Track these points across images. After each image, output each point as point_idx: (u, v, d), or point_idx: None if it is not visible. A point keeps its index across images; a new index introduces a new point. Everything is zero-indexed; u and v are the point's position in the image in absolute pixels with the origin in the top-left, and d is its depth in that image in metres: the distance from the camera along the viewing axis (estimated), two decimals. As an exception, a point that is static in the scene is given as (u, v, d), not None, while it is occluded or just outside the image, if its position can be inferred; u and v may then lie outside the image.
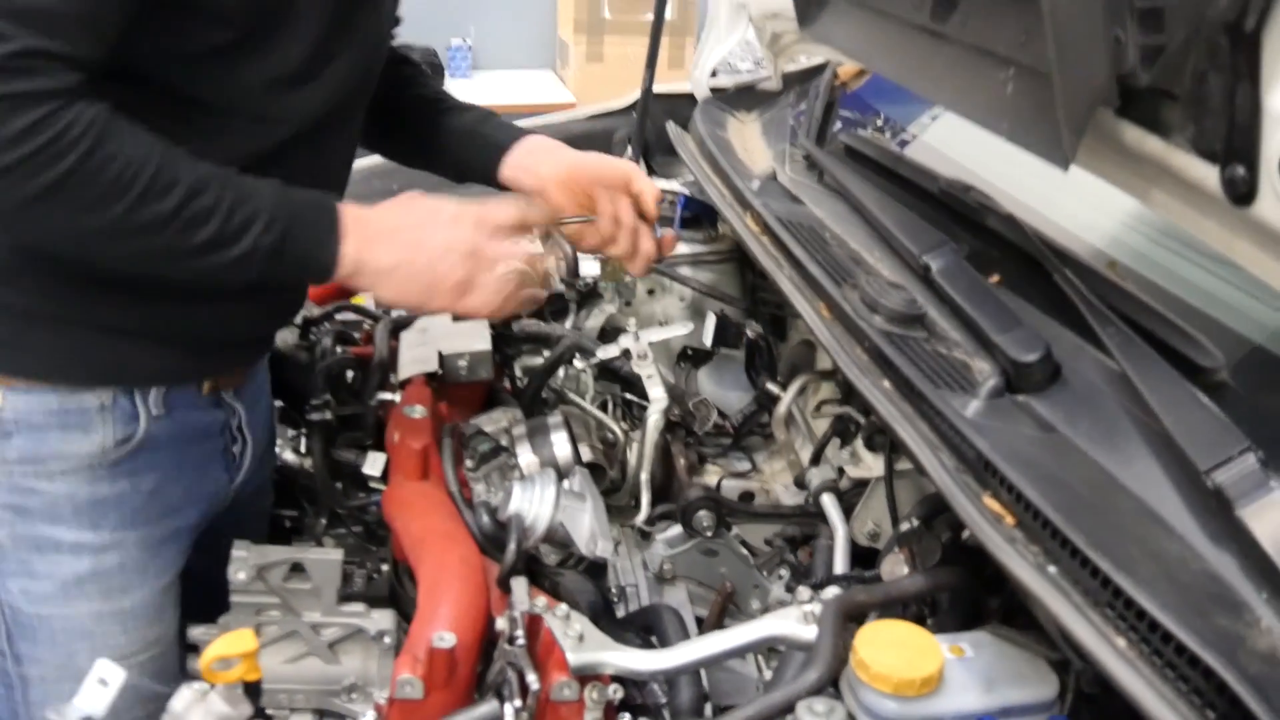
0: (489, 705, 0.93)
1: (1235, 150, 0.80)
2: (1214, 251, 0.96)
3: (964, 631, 0.97)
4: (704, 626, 1.43)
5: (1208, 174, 0.84)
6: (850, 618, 0.97)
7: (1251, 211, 0.80)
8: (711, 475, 1.71)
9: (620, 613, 1.38)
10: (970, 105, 1.07)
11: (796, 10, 1.49)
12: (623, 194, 1.32)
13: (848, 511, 1.41)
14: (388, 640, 1.12)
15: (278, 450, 1.49)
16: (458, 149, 1.39)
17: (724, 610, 1.40)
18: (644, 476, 1.52)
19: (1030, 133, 0.95)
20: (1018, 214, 1.27)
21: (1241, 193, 0.80)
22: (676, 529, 1.47)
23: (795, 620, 0.99)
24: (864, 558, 1.41)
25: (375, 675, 1.13)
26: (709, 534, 1.44)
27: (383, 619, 1.14)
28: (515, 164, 1.35)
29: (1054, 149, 0.91)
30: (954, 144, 1.65)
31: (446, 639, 0.99)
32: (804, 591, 0.99)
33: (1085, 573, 0.80)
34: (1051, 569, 0.83)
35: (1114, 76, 0.87)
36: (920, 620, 1.03)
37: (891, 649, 0.89)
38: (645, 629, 1.19)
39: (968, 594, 1.02)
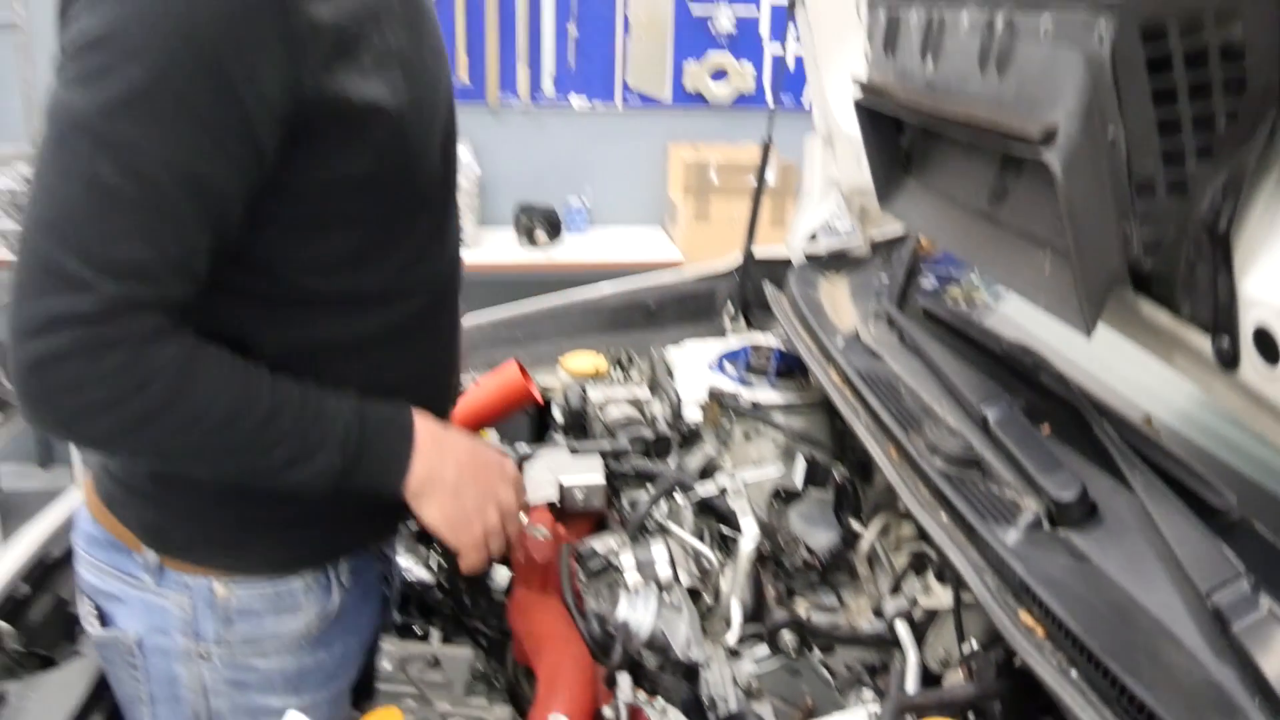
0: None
1: (1220, 325, 0.97)
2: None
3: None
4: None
5: (1204, 343, 1.01)
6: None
7: (1238, 375, 0.97)
8: (799, 608, 1.86)
9: (711, 718, 1.53)
10: (1016, 280, 1.26)
11: (876, 190, 1.70)
12: None
13: (920, 639, 1.55)
14: (506, 732, 1.30)
15: (413, 568, 1.69)
16: None
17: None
18: (735, 600, 1.68)
19: (1062, 306, 1.13)
20: (1070, 372, 1.44)
21: (1228, 360, 0.97)
22: (764, 649, 1.62)
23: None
24: (936, 683, 1.54)
25: (491, 767, 1.30)
26: (793, 654, 1.59)
27: (502, 712, 1.32)
28: None
29: (1077, 319, 1.09)
30: (1024, 308, 1.82)
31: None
32: (867, 692, 1.14)
33: (1100, 676, 0.94)
34: (1073, 673, 0.97)
35: (1125, 262, 1.05)
36: (972, 726, 1.17)
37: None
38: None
39: (1015, 704, 1.16)
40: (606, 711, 1.19)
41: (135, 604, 1.23)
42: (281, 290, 1.11)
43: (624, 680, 1.22)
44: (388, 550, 1.49)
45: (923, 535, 1.59)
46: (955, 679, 1.30)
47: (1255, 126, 0.89)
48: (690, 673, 1.36)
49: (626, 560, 1.49)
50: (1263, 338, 0.92)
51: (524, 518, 1.58)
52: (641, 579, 1.46)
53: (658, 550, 1.51)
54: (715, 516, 1.93)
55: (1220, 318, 0.97)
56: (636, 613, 1.31)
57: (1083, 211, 1.04)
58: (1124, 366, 1.46)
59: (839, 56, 2.06)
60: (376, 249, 1.15)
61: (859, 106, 1.62)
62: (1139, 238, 1.02)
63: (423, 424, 1.18)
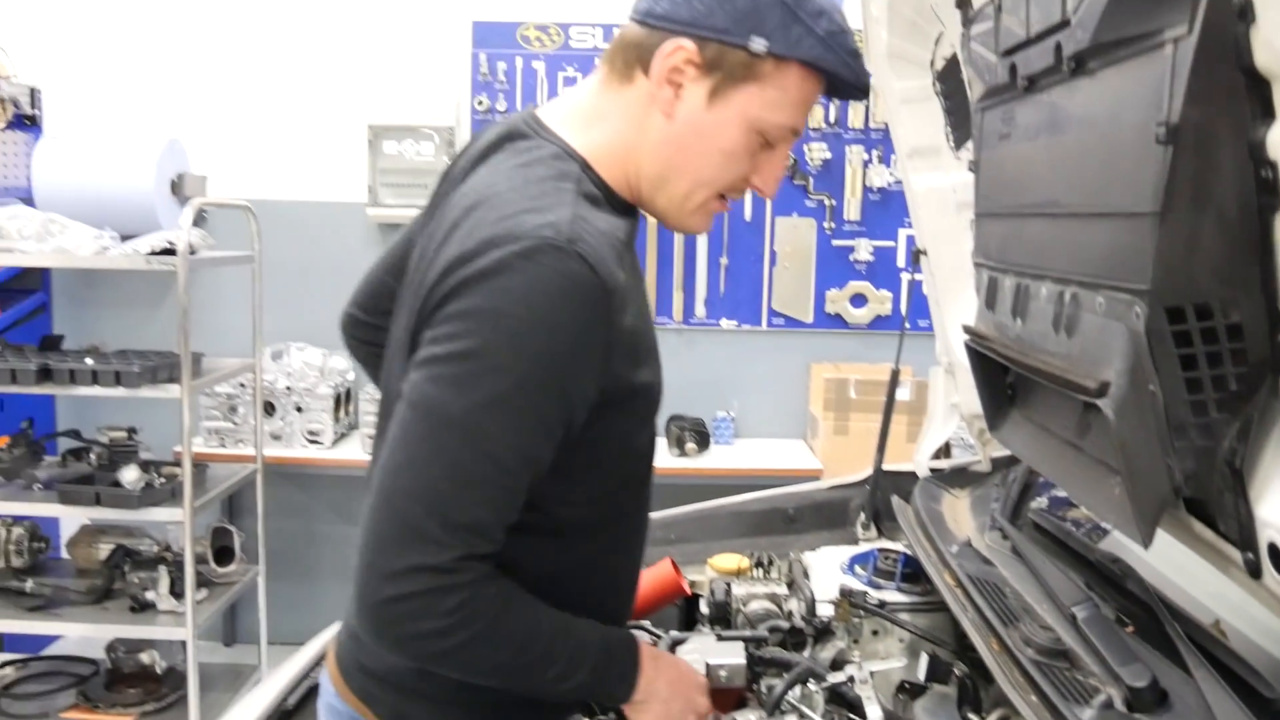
0: None
1: (1245, 542, 1.21)
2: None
3: None
4: None
5: (1237, 555, 1.25)
6: None
7: (1262, 582, 1.20)
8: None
9: None
10: (1092, 501, 1.51)
11: (986, 419, 1.98)
12: None
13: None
14: None
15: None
16: None
17: None
18: (860, 782, 1.89)
19: (1125, 524, 1.38)
20: (1153, 579, 1.66)
21: (1254, 571, 1.21)
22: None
23: None
24: None
25: None
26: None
27: None
28: None
29: (1137, 535, 1.34)
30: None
31: None
32: None
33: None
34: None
35: (1172, 488, 1.31)
36: None
37: None
38: None
39: None
40: None
41: None
42: (547, 522, 1.33)
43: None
44: None
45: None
46: None
47: (1257, 387, 1.16)
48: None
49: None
50: (1275, 553, 1.16)
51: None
52: (776, 748, 1.70)
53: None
54: (844, 704, 2.14)
55: (1245, 536, 1.21)
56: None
57: (1133, 447, 1.30)
58: (1204, 577, 1.67)
59: (957, 298, 2.38)
60: (621, 483, 1.41)
61: (969, 348, 1.93)
62: (1180, 469, 1.27)
63: (643, 647, 1.42)
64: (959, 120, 2.26)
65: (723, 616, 2.31)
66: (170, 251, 3.76)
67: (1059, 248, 1.51)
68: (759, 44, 1.24)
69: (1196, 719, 1.33)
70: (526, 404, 1.18)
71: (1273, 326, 1.13)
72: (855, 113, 4.79)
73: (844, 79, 1.29)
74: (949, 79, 2.21)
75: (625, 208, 1.37)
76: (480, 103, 4.78)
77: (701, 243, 4.82)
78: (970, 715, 2.05)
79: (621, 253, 1.26)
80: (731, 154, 1.31)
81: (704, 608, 2.37)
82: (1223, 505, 1.25)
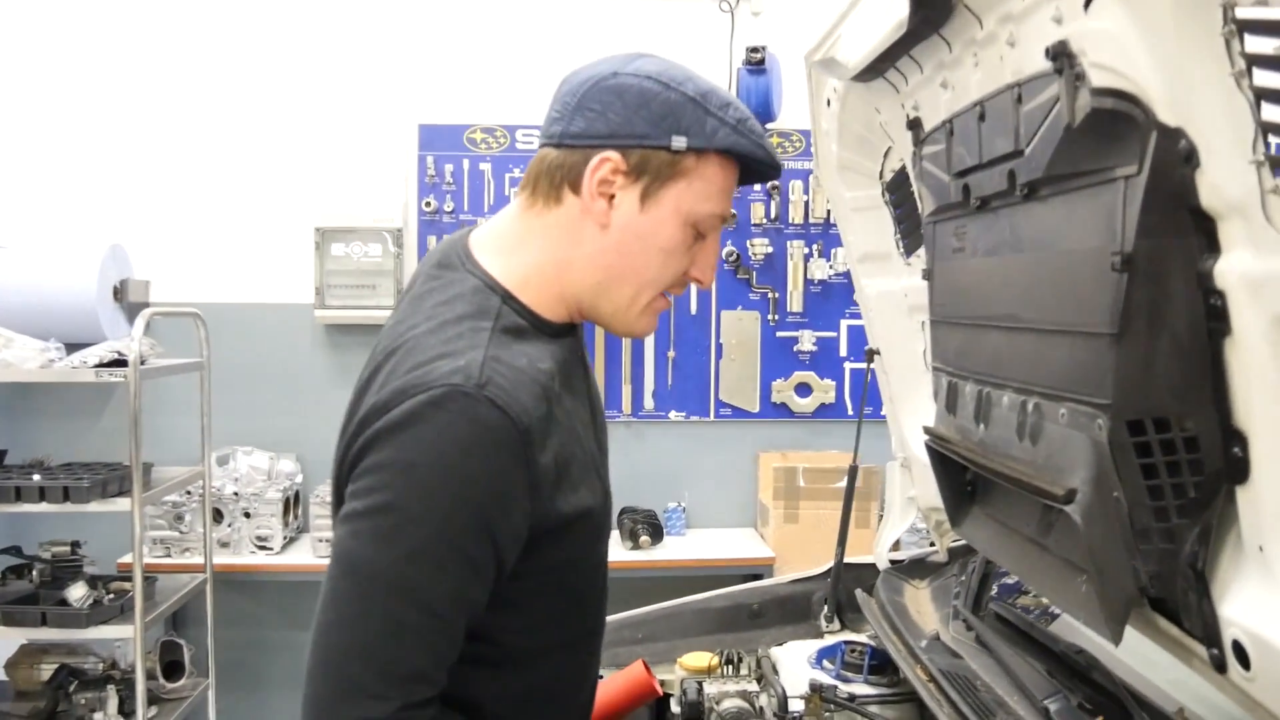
0: None
1: (1210, 638, 1.29)
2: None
3: None
4: None
5: (1202, 651, 1.33)
6: None
7: (1227, 676, 1.28)
8: None
9: None
10: (1059, 598, 1.59)
11: (948, 515, 2.06)
12: None
13: None
14: None
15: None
16: None
17: None
18: None
19: (1094, 621, 1.46)
20: (1118, 669, 1.74)
21: (1218, 665, 1.29)
22: None
23: None
24: None
25: None
26: None
27: None
28: None
29: (1106, 632, 1.41)
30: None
31: None
32: None
33: None
34: None
35: (1138, 588, 1.39)
36: None
37: None
38: None
39: None
40: None
41: None
42: (494, 652, 1.34)
43: None
44: None
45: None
46: None
47: (1214, 495, 1.25)
48: None
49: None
50: (1239, 649, 1.24)
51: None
52: None
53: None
54: (821, 802, 2.18)
55: (1209, 633, 1.29)
56: None
57: (1101, 550, 1.38)
58: (1165, 665, 1.75)
59: (911, 395, 2.48)
60: (571, 604, 1.43)
61: (929, 448, 2.01)
62: (1145, 570, 1.35)
63: None
64: (909, 229, 2.37)
65: (695, 716, 2.34)
66: (120, 363, 3.73)
67: (1019, 358, 1.60)
68: (679, 142, 1.30)
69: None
70: (449, 551, 1.20)
71: (1226, 440, 1.22)
72: (795, 209, 4.95)
73: (760, 160, 1.36)
74: (898, 190, 2.32)
75: (559, 330, 1.41)
76: (428, 204, 4.85)
77: (649, 337, 4.91)
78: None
79: (546, 385, 1.29)
80: (670, 251, 1.36)
81: (675, 707, 2.40)
82: (1187, 604, 1.33)
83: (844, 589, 2.68)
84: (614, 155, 1.31)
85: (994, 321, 1.70)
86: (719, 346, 4.97)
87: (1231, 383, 1.20)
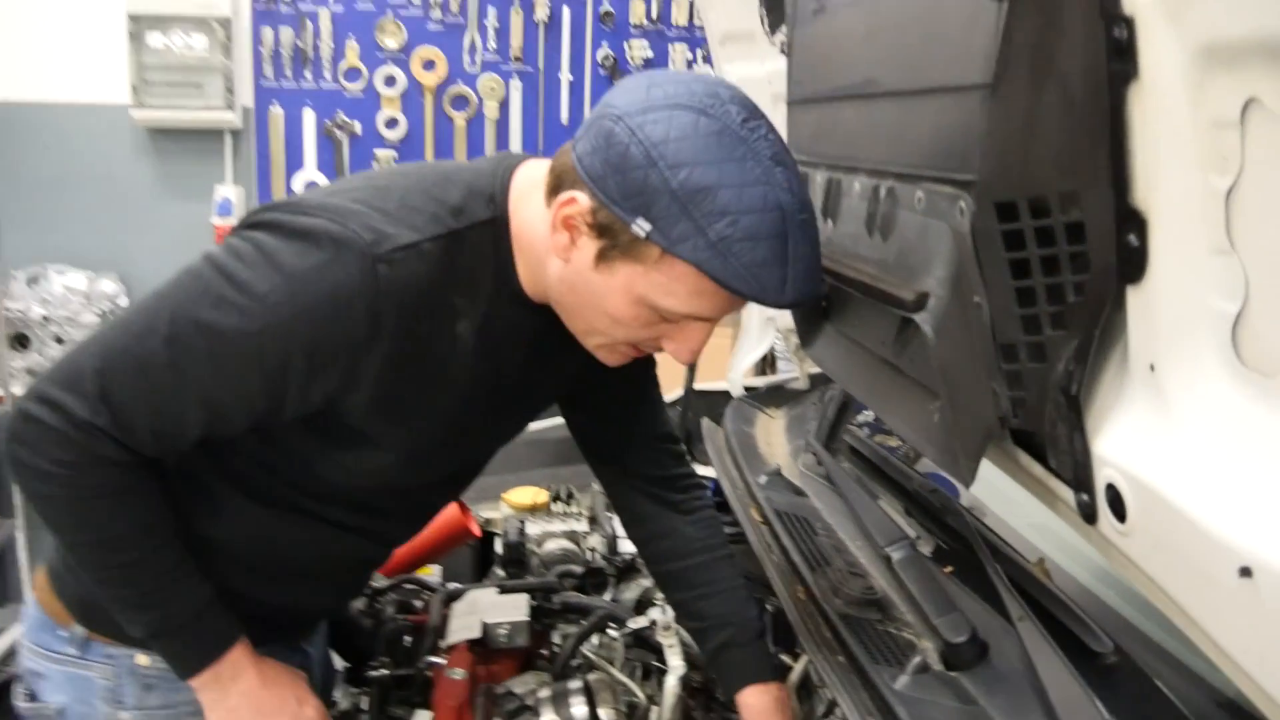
0: None
1: (1080, 481, 1.02)
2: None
3: None
4: None
5: (1069, 495, 1.06)
6: None
7: (1097, 529, 1.02)
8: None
9: None
10: (908, 429, 1.32)
11: (799, 333, 1.78)
12: None
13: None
14: None
15: (339, 701, 1.70)
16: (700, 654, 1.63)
17: None
18: (660, 741, 1.69)
19: (944, 456, 1.19)
20: (979, 512, 1.49)
21: (1087, 513, 1.02)
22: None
23: None
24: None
25: None
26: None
27: None
28: None
29: (958, 471, 1.14)
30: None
31: None
32: None
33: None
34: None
35: (998, 418, 1.11)
36: None
37: None
38: None
39: None
40: None
41: (59, 678, 1.39)
42: (246, 485, 1.33)
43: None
44: (308, 646, 1.56)
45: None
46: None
47: (1099, 300, 0.96)
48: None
49: (545, 700, 1.51)
50: (1113, 495, 0.97)
51: (440, 661, 1.60)
52: (557, 720, 1.48)
53: (575, 690, 1.52)
54: (648, 649, 1.95)
55: (1079, 474, 1.02)
56: (546, 758, 1.33)
57: (954, 370, 1.10)
58: (1028, 507, 1.51)
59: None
60: (330, 495, 1.36)
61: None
62: (1007, 396, 1.08)
63: (244, 656, 1.31)
64: (774, 1, 2.01)
65: (517, 559, 2.07)
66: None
67: (875, 136, 1.30)
68: (642, 227, 1.11)
69: (1021, 680, 1.16)
70: (248, 359, 1.17)
71: (1121, 224, 0.92)
72: (679, 9, 4.51)
73: (737, 291, 1.12)
74: (760, -49, 1.95)
75: (521, 298, 1.29)
76: (262, -11, 4.28)
77: (515, 138, 4.50)
78: (782, 655, 1.89)
79: (445, 310, 1.22)
80: (620, 321, 1.20)
81: (498, 548, 2.13)
82: (1055, 438, 1.05)
83: (694, 418, 2.41)
84: (584, 202, 1.16)
85: (851, 90, 1.37)
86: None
87: (1132, 146, 0.89)
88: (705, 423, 2.30)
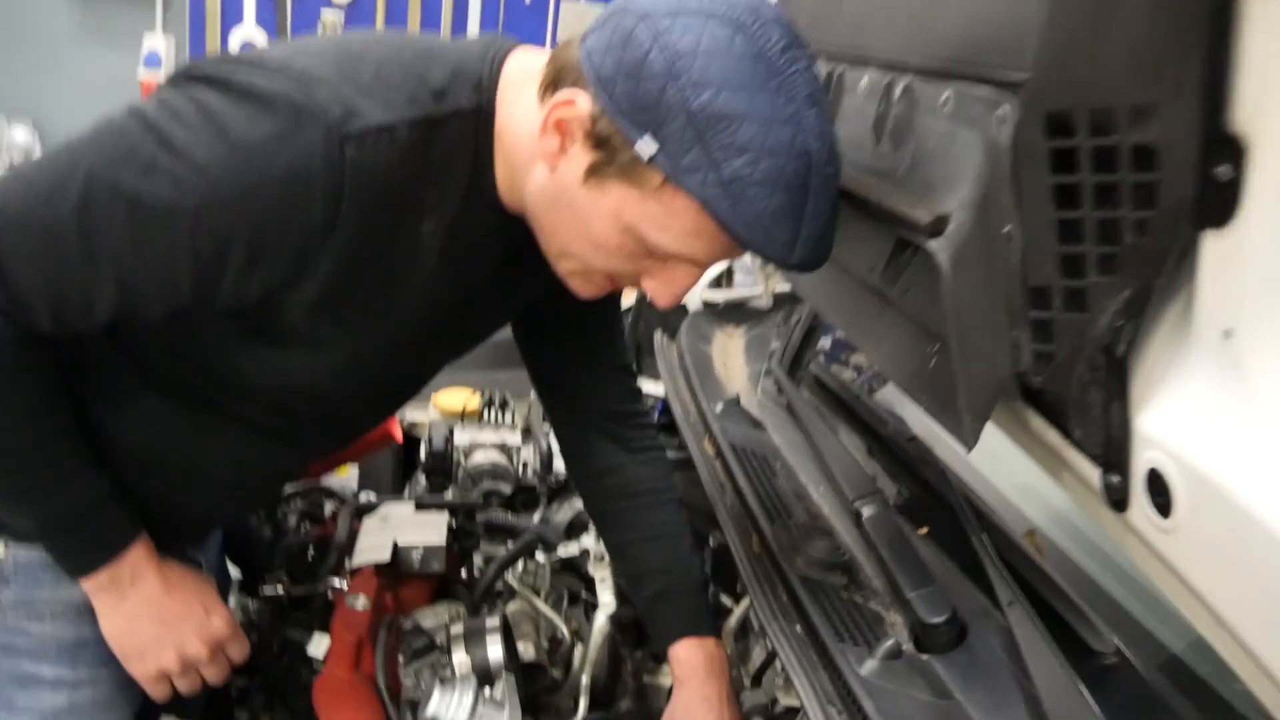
0: None
1: (1111, 460, 0.85)
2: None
3: None
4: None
5: (1092, 474, 0.89)
6: None
7: (1125, 518, 0.85)
8: (664, 678, 1.72)
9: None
10: (897, 371, 1.14)
11: (772, 248, 1.58)
12: None
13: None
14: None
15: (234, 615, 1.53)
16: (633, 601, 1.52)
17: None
18: (584, 681, 1.54)
19: (942, 410, 1.01)
20: (958, 466, 1.33)
21: (1116, 499, 0.86)
22: (610, 741, 1.48)
23: None
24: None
25: None
26: (640, 753, 1.45)
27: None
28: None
29: (959, 430, 0.97)
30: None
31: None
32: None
33: None
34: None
35: (1014, 374, 0.94)
36: None
37: None
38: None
39: None
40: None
41: None
42: (158, 374, 1.17)
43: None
44: (197, 555, 1.38)
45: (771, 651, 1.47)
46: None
47: (1164, 243, 0.78)
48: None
49: (456, 638, 1.33)
50: (1156, 482, 0.80)
51: (343, 584, 1.42)
52: (468, 662, 1.30)
53: (491, 629, 1.35)
54: (578, 577, 1.80)
55: (1111, 452, 0.85)
56: (449, 709, 1.16)
57: (969, 312, 0.92)
58: (1015, 466, 1.35)
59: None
60: (248, 395, 1.18)
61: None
62: (1030, 348, 0.90)
63: (136, 554, 1.18)
64: None
65: (441, 469, 1.90)
66: None
67: (893, 21, 1.09)
68: (647, 147, 0.95)
69: (1006, 673, 1.01)
70: (168, 237, 0.99)
71: (1208, 153, 0.74)
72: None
73: (740, 240, 0.97)
74: None
75: (494, 204, 1.11)
76: None
77: (474, 15, 4.20)
78: (721, 595, 1.74)
79: (409, 204, 1.05)
80: (602, 249, 1.04)
81: (423, 454, 1.95)
82: (1085, 406, 0.88)
83: (647, 329, 2.22)
84: (584, 106, 0.98)
85: (866, -33, 1.15)
86: (554, 39, 4.29)
87: (1240, 48, 0.70)
88: (658, 336, 2.11)
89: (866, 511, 1.23)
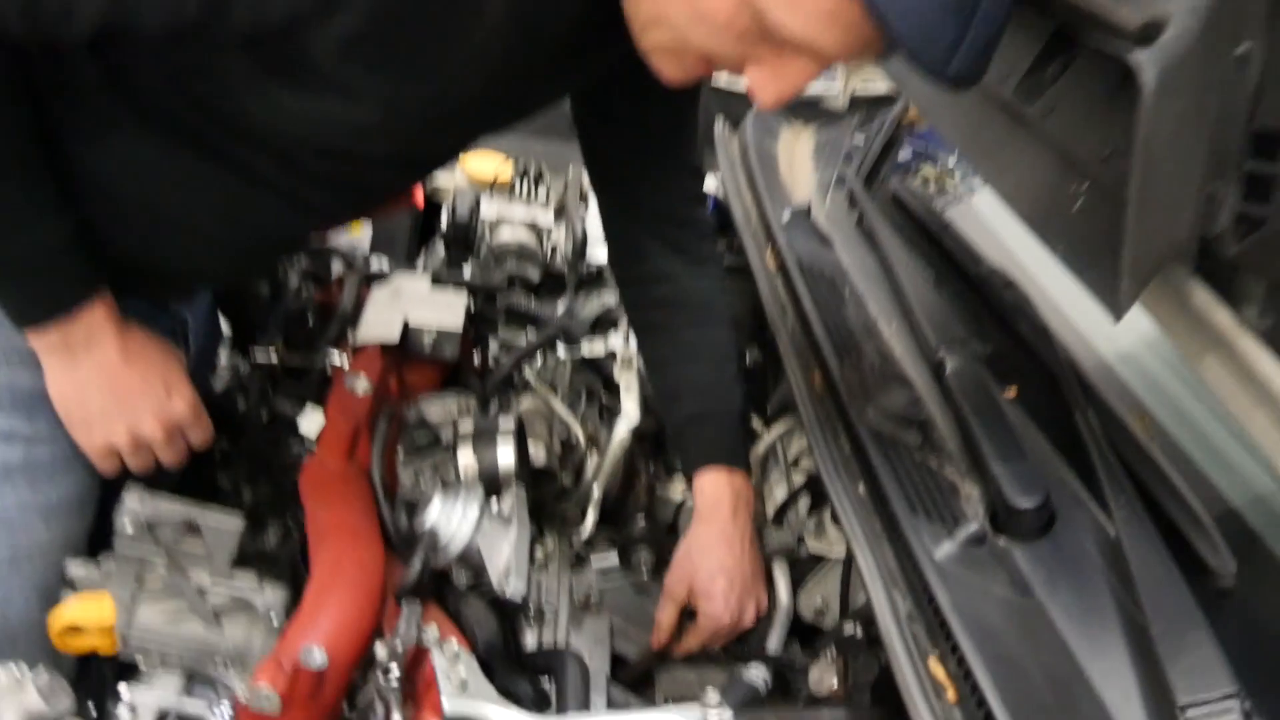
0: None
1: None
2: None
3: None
4: (624, 673, 1.34)
5: (1274, 371, 0.72)
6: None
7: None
8: (677, 487, 1.60)
9: (533, 637, 1.29)
10: (1029, 207, 0.95)
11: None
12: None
13: (798, 582, 1.31)
14: (275, 621, 1.05)
15: (222, 375, 1.39)
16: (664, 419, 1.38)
17: (654, 664, 1.31)
18: (595, 493, 1.42)
19: (1088, 264, 0.83)
20: (1057, 323, 1.15)
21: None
22: (614, 557, 1.37)
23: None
24: (802, 634, 1.32)
25: (257, 650, 1.05)
26: (645, 575, 1.34)
27: (274, 597, 1.05)
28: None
29: (1109, 293, 0.79)
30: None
31: (316, 657, 0.90)
32: (712, 695, 0.88)
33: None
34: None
35: (1197, 235, 0.75)
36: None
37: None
38: (546, 671, 1.09)
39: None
40: (380, 650, 0.93)
41: None
42: (155, 110, 1.01)
43: (410, 613, 0.94)
44: (184, 310, 1.26)
45: (832, 515, 1.33)
46: (822, 668, 1.05)
47: None
48: (504, 606, 1.09)
49: (464, 437, 1.19)
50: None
51: (343, 359, 1.27)
52: (475, 466, 1.17)
53: (505, 431, 1.21)
54: (601, 379, 1.65)
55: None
56: (450, 521, 1.03)
57: (1164, 150, 0.72)
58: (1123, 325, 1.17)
59: None
60: (260, 144, 1.02)
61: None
62: (1233, 208, 0.71)
63: (95, 314, 1.04)
64: None
65: (463, 239, 1.72)
66: None
67: None
68: None
69: (1101, 579, 0.86)
70: None
71: None
72: None
73: (891, 29, 0.78)
74: None
75: None
76: None
77: None
78: (753, 416, 1.60)
79: None
80: (706, 19, 0.86)
81: (444, 223, 1.77)
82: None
83: (705, 117, 1.99)
84: None
85: None
86: None
87: None
88: (718, 124, 1.89)
89: (951, 363, 1.06)
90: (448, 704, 0.89)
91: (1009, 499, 0.90)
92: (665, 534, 1.56)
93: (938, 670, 0.79)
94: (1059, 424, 1.02)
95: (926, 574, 0.83)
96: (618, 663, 1.37)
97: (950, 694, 0.77)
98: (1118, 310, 0.78)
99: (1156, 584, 0.81)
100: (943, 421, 1.03)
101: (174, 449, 1.09)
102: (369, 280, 1.40)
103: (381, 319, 1.28)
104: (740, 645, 1.28)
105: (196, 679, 1.10)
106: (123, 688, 1.05)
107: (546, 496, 1.41)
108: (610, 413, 1.61)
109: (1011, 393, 1.08)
